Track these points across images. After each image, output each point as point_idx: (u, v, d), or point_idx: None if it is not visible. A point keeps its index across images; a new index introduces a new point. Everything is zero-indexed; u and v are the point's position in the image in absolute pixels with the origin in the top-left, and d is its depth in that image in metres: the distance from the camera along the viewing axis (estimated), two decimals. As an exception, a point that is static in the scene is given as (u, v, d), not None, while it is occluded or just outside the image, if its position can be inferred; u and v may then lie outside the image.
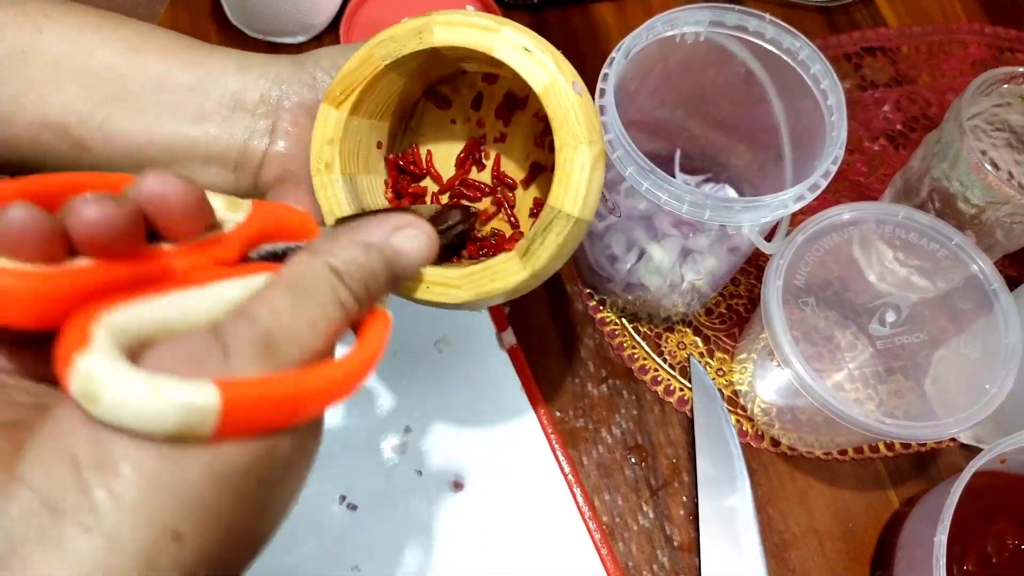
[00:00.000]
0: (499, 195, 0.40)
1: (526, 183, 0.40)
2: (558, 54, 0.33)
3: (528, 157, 0.40)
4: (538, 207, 0.39)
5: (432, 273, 0.33)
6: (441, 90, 0.41)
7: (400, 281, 0.27)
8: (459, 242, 0.38)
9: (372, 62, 0.34)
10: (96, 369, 0.18)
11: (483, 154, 0.41)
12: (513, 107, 0.40)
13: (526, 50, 0.32)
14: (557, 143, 0.32)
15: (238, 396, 0.19)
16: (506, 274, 0.33)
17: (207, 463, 0.20)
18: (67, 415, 0.19)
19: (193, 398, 0.19)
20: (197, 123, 0.36)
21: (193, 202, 0.23)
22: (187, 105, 0.36)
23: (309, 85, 0.37)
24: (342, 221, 0.31)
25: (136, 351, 0.20)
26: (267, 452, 0.21)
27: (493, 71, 0.39)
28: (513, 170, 0.41)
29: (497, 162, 0.41)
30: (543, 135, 0.40)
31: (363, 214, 0.34)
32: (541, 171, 0.40)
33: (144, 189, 0.22)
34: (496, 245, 0.39)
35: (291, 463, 0.22)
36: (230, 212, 0.26)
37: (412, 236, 0.27)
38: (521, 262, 0.33)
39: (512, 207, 0.40)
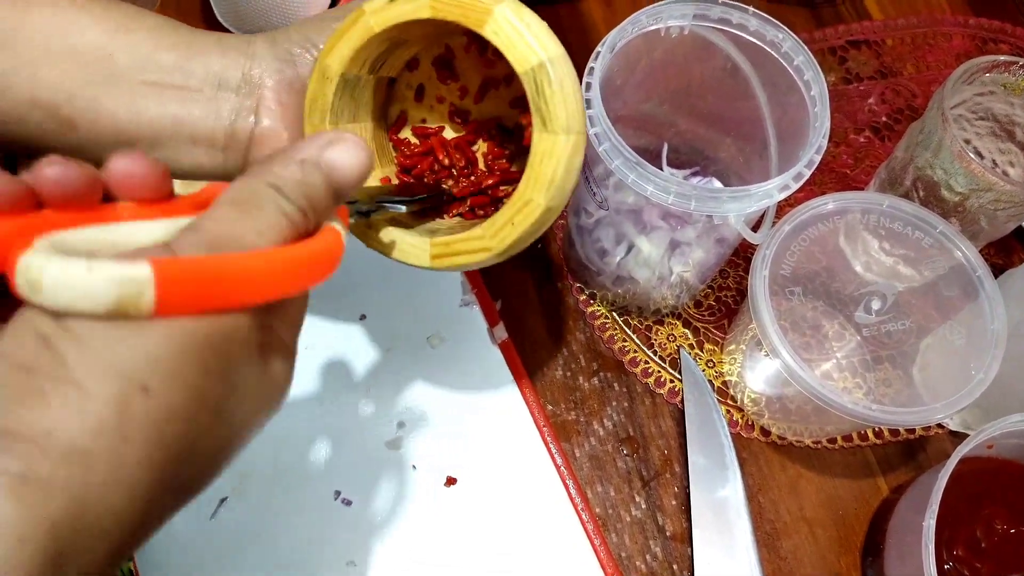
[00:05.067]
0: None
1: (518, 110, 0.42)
2: (546, 31, 0.33)
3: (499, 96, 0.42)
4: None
5: (405, 234, 0.36)
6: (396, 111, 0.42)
7: (344, 193, 0.28)
8: (434, 205, 0.40)
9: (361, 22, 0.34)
10: (35, 259, 0.20)
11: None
12: (449, 65, 0.41)
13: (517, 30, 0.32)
14: (533, 131, 0.33)
15: (173, 270, 0.20)
16: (472, 251, 0.35)
17: (165, 332, 0.21)
18: (30, 311, 0.21)
19: (126, 271, 0.20)
20: (182, 104, 0.36)
21: (154, 177, 0.25)
22: (172, 86, 0.36)
23: (287, 61, 0.38)
24: None
25: None
26: (224, 329, 0.22)
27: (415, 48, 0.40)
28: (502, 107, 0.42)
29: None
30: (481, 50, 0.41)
31: None
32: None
33: (111, 166, 0.24)
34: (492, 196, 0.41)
35: (254, 344, 0.24)
36: (184, 188, 0.28)
37: (344, 150, 0.28)
38: (488, 242, 0.34)
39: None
